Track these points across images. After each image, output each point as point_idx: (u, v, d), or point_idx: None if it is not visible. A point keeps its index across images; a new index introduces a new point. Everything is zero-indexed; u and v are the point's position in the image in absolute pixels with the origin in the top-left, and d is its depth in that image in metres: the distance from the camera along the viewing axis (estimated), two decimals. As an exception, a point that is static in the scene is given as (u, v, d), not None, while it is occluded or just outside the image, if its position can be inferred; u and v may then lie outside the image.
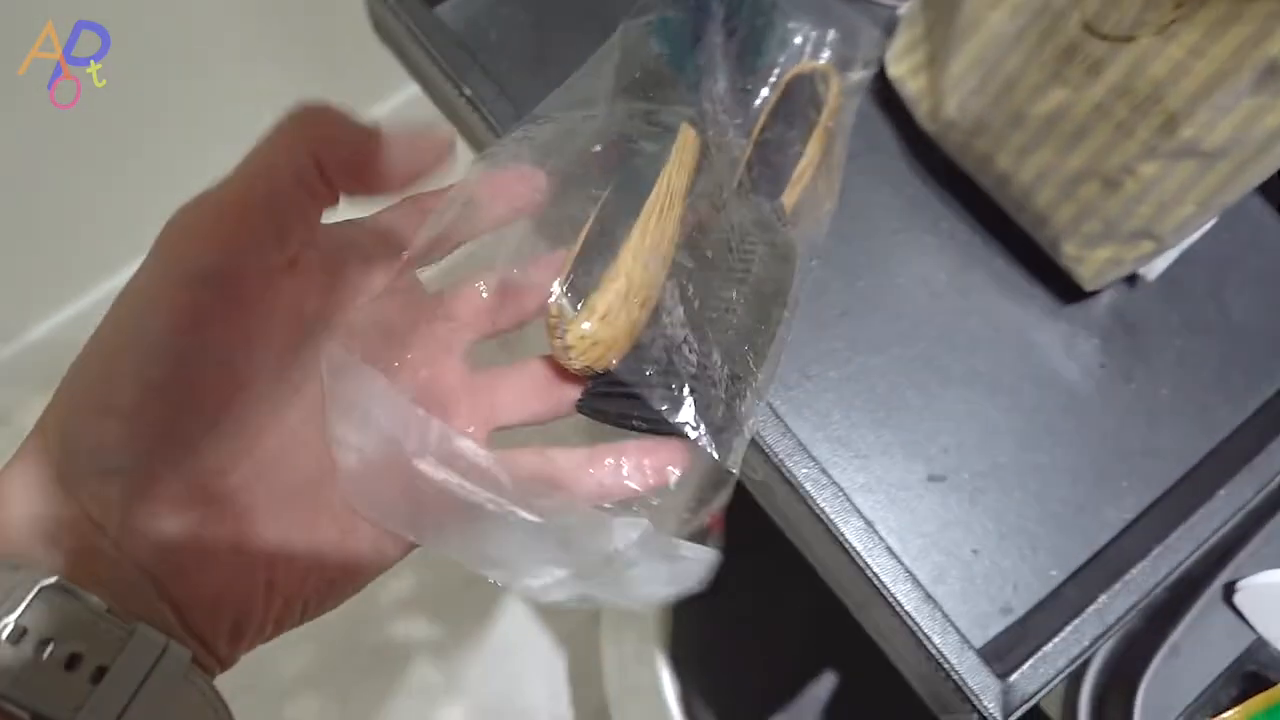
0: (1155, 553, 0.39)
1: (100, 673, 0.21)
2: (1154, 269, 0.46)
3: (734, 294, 0.34)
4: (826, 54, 0.45)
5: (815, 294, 0.45)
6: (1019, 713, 0.37)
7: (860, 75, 0.46)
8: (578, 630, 1.09)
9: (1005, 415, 0.44)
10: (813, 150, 0.42)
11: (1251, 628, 0.42)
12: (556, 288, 0.31)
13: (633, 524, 0.27)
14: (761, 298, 0.34)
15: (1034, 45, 0.41)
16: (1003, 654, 0.38)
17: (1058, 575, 0.42)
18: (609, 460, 0.30)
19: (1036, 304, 0.46)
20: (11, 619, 0.20)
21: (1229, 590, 0.42)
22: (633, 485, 0.30)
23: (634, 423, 0.31)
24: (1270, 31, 0.35)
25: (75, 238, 1.14)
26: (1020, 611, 0.41)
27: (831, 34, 0.45)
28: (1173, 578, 0.38)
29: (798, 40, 0.45)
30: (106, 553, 0.23)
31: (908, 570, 0.37)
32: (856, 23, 0.45)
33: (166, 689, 0.22)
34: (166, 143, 1.10)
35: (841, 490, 0.38)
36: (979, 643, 0.40)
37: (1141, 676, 0.40)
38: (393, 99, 1.30)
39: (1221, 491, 0.40)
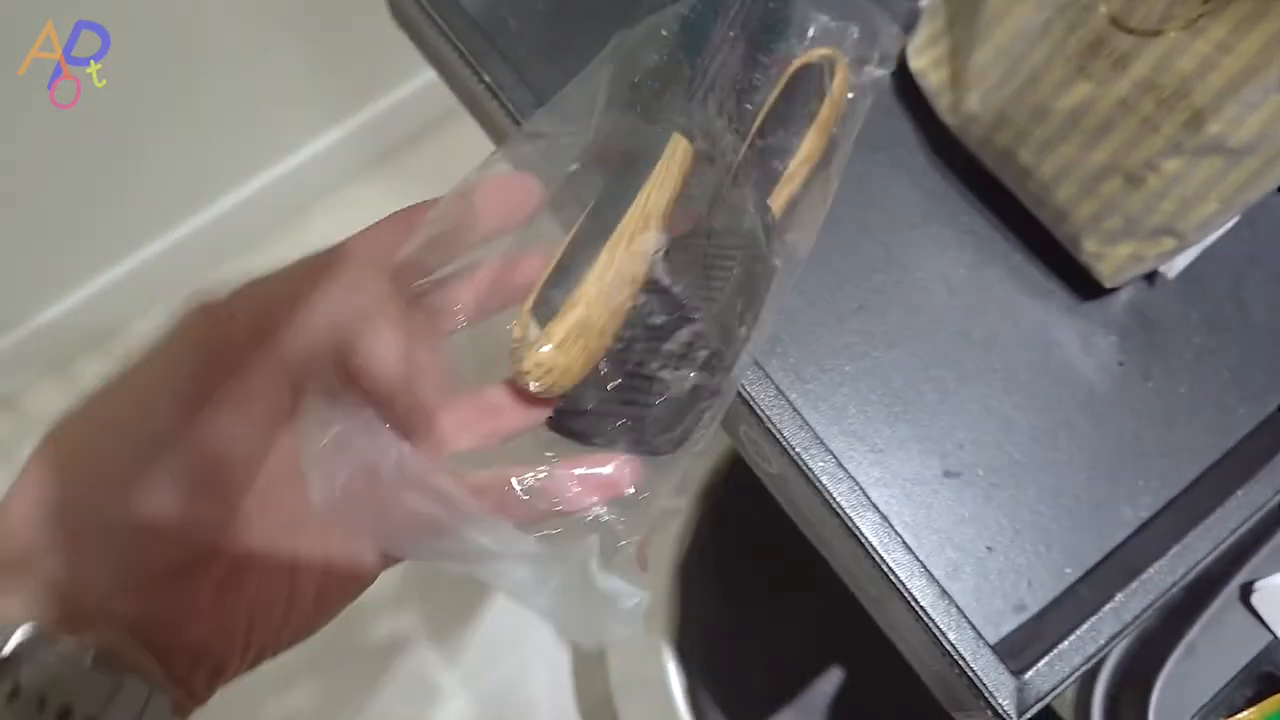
0: (1173, 552, 0.38)
1: None
2: (1174, 266, 0.46)
3: (702, 315, 0.34)
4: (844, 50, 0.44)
5: (832, 287, 0.45)
6: (1033, 710, 0.36)
7: (877, 74, 0.45)
8: (581, 622, 1.09)
9: (1021, 412, 0.44)
10: (809, 146, 0.41)
11: (1268, 628, 0.42)
12: (524, 310, 0.31)
13: (579, 546, 0.29)
14: (729, 318, 0.35)
15: (1059, 39, 0.41)
16: (1016, 651, 0.38)
17: (1072, 573, 0.42)
18: (561, 475, 0.31)
19: (1055, 300, 0.46)
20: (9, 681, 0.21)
21: (1246, 590, 0.42)
22: (582, 502, 0.31)
23: (595, 441, 0.32)
24: (1301, 27, 0.35)
25: (74, 232, 1.15)
26: (1034, 609, 0.41)
27: (853, 31, 0.44)
28: (1190, 577, 0.38)
29: (811, 33, 0.44)
30: (95, 607, 0.23)
31: (924, 566, 0.37)
32: (876, 20, 0.45)
33: None
34: (166, 143, 1.10)
35: (858, 484, 0.38)
36: (992, 640, 0.40)
37: (1156, 676, 0.40)
38: (407, 86, 1.30)
39: (1239, 491, 0.40)
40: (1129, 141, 0.40)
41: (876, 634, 0.42)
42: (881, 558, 0.37)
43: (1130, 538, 0.42)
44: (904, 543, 0.38)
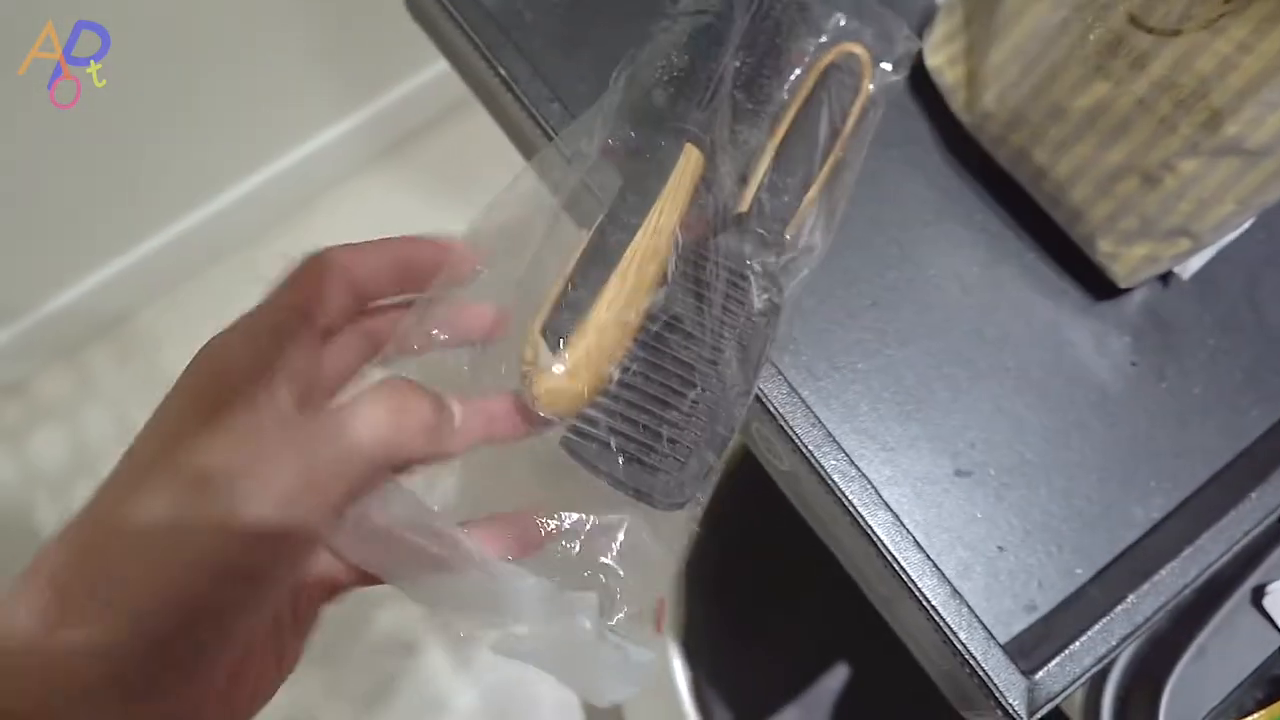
0: (1185, 554, 0.38)
1: None
2: (1189, 267, 0.45)
3: (706, 352, 0.34)
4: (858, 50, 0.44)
5: (845, 284, 0.45)
6: (1043, 711, 0.36)
7: (892, 79, 0.45)
8: (586, 617, 1.09)
9: (1034, 411, 0.44)
10: (831, 157, 0.41)
11: None
12: (533, 331, 0.32)
13: (584, 599, 0.30)
14: (734, 378, 0.35)
15: (1077, 38, 0.40)
16: (1027, 651, 0.38)
17: (1083, 574, 0.41)
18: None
19: (1068, 300, 0.46)
20: None
21: (1258, 593, 0.42)
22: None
23: (601, 475, 0.32)
24: (1322, 28, 0.35)
25: (81, 225, 1.16)
26: (1044, 609, 0.41)
27: (867, 35, 0.44)
28: (1201, 579, 0.38)
29: (825, 39, 0.44)
30: None
31: (935, 565, 0.37)
32: (890, 23, 0.44)
33: None
34: (171, 138, 1.10)
35: (869, 482, 0.38)
36: (1003, 639, 0.40)
37: (1167, 678, 0.40)
38: (415, 79, 1.30)
39: (1253, 494, 0.40)
40: (1146, 142, 0.40)
41: (883, 632, 0.42)
42: (893, 556, 0.37)
43: (1142, 539, 0.42)
44: (915, 541, 0.37)
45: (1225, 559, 0.38)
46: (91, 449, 1.22)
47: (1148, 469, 0.43)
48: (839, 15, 0.44)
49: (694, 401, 0.33)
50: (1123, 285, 0.44)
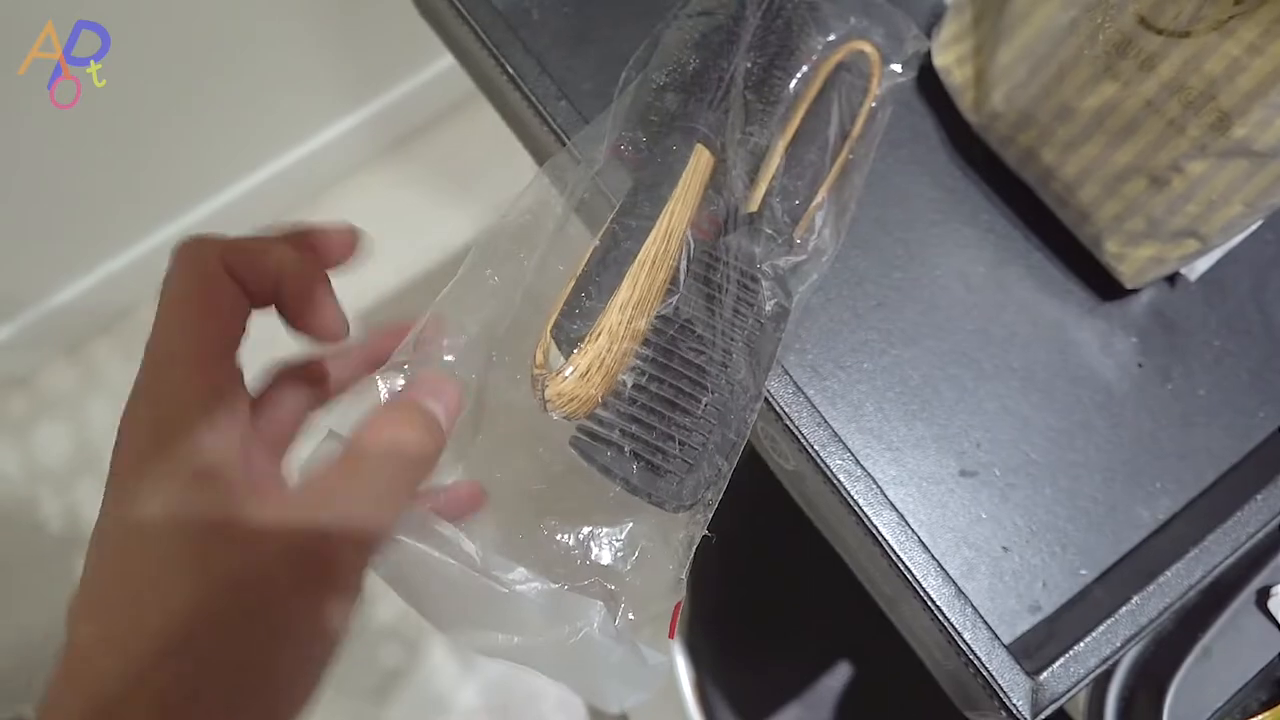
0: (1190, 555, 0.38)
1: None
2: (1196, 269, 0.45)
3: (717, 355, 0.34)
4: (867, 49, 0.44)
5: (851, 284, 0.45)
6: (1047, 711, 0.36)
7: (900, 79, 0.45)
8: (588, 614, 1.09)
9: (1039, 412, 0.44)
10: (840, 160, 0.41)
11: (1283, 634, 0.42)
12: (545, 333, 0.32)
13: (591, 604, 0.29)
14: (745, 382, 0.35)
15: (1086, 38, 0.40)
16: (1031, 652, 0.38)
17: (1087, 575, 0.41)
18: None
19: (1074, 301, 0.46)
20: None
21: (1263, 595, 0.42)
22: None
23: (611, 477, 0.32)
24: (1332, 30, 0.35)
25: (86, 220, 1.16)
26: (1049, 610, 0.41)
27: (876, 34, 0.44)
28: (1206, 581, 0.38)
29: (833, 37, 0.44)
30: None
31: (939, 565, 0.37)
32: (899, 23, 0.44)
33: None
34: (176, 134, 1.11)
35: (875, 482, 0.38)
36: (1007, 640, 0.40)
37: (1171, 679, 0.40)
38: (421, 75, 1.30)
39: (1258, 495, 0.39)
40: (1154, 143, 0.40)
41: (886, 631, 0.42)
42: (898, 556, 0.37)
43: (1147, 540, 0.42)
44: (920, 541, 0.37)
45: (1230, 561, 0.38)
46: (95, 443, 1.22)
47: (1153, 470, 0.43)
48: (849, 15, 0.44)
49: (705, 405, 0.33)
50: (1129, 286, 0.44)
